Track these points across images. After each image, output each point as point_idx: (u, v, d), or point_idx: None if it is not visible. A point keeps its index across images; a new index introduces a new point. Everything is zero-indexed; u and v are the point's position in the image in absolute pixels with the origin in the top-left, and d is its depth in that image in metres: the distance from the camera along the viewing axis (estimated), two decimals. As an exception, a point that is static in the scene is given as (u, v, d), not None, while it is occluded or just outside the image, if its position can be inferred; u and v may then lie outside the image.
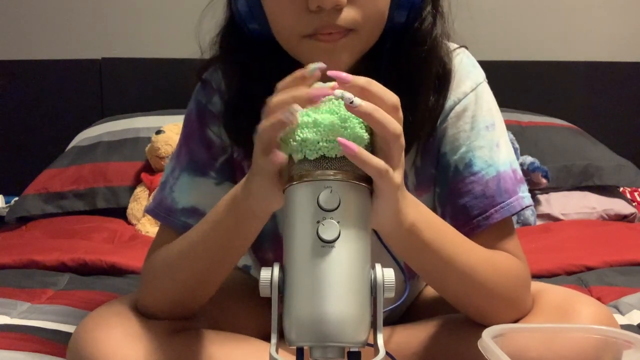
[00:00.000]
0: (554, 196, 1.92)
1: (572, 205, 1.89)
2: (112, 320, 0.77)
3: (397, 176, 0.62)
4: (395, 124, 0.60)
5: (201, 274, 0.78)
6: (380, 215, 0.64)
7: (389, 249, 0.78)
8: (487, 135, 0.83)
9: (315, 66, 0.62)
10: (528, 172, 1.83)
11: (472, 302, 0.79)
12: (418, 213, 0.70)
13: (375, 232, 0.77)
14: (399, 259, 0.75)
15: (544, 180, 1.86)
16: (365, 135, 0.61)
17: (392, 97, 0.62)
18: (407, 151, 0.66)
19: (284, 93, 0.62)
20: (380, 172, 0.60)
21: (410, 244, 0.71)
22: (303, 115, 0.61)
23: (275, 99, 0.62)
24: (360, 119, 0.60)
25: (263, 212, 0.70)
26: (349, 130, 0.60)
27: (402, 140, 0.62)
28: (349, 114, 0.60)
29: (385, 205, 0.63)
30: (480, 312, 0.79)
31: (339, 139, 0.59)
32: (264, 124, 0.62)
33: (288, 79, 0.63)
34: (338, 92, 0.61)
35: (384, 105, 0.60)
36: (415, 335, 0.85)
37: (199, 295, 0.81)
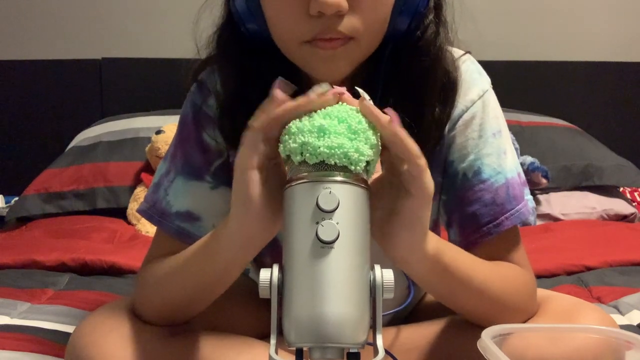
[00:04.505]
0: (554, 196, 1.92)
1: (572, 205, 1.89)
2: (109, 324, 0.77)
3: (429, 178, 0.62)
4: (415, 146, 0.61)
5: (188, 295, 0.77)
6: (411, 221, 0.64)
7: None
8: (494, 143, 0.83)
9: (325, 89, 0.62)
10: (528, 172, 1.83)
11: (483, 315, 0.79)
12: (437, 238, 0.70)
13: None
14: (419, 284, 0.74)
15: (544, 180, 1.86)
16: (368, 152, 0.60)
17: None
18: None
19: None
20: (417, 154, 0.61)
21: (433, 269, 0.70)
22: (308, 118, 0.61)
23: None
24: (368, 137, 0.61)
25: (241, 239, 0.67)
26: (353, 142, 0.60)
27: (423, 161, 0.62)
28: (359, 126, 0.60)
29: (417, 204, 0.63)
30: (489, 320, 0.78)
31: (388, 109, 0.60)
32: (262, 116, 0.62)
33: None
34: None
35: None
36: (419, 332, 0.85)
37: (187, 311, 0.80)
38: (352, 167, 0.59)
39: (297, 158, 0.60)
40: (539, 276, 1.36)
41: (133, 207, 1.85)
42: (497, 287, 0.77)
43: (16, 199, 1.96)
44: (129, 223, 1.84)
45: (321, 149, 0.59)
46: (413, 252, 0.66)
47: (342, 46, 0.73)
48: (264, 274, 0.59)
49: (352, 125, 0.60)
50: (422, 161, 0.61)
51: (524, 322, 0.80)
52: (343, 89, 0.62)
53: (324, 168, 0.59)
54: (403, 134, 0.60)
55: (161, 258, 0.82)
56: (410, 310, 0.99)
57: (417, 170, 0.61)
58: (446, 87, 0.81)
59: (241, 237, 0.67)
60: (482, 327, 0.70)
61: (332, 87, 0.62)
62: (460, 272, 0.73)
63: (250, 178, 0.63)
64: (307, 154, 0.59)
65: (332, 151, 0.59)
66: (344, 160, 0.59)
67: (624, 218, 1.87)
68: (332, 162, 0.59)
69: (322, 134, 0.59)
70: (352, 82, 0.78)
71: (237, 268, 0.73)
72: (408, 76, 0.78)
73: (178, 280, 0.77)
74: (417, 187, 0.62)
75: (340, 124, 0.60)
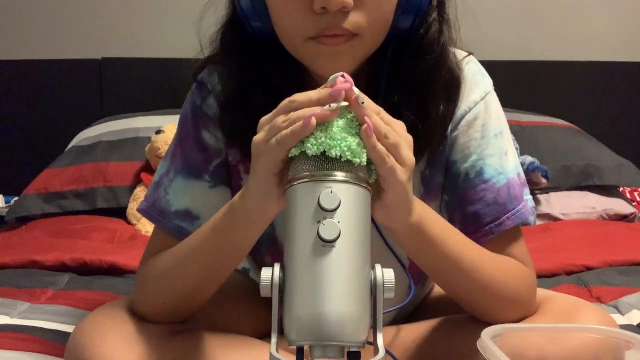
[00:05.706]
0: (554, 196, 1.92)
1: (572, 205, 1.89)
2: (108, 324, 0.77)
3: (403, 172, 0.64)
4: (383, 151, 0.62)
5: (196, 281, 0.78)
6: (390, 210, 0.66)
7: (396, 253, 0.78)
8: (496, 144, 0.84)
9: (336, 75, 0.63)
10: (528, 172, 1.83)
11: (477, 301, 0.80)
12: (424, 210, 0.72)
13: (381, 236, 0.78)
14: (409, 255, 0.76)
15: (544, 180, 1.86)
16: (366, 152, 0.61)
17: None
18: (417, 160, 0.67)
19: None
20: (383, 159, 0.61)
21: (417, 240, 0.72)
22: None
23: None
24: None
25: (259, 217, 0.69)
26: (355, 137, 0.60)
27: (392, 162, 0.63)
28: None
29: (393, 198, 0.65)
30: (485, 311, 0.80)
31: (366, 117, 0.60)
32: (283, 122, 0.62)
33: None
34: (355, 90, 0.62)
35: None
36: (419, 332, 0.86)
37: (193, 302, 0.81)
38: (356, 160, 0.60)
39: (297, 151, 0.61)
40: (539, 276, 1.35)
41: (133, 207, 1.85)
42: (489, 273, 0.77)
43: (16, 199, 1.96)
44: (129, 223, 1.84)
45: (323, 139, 0.59)
46: (393, 221, 0.69)
47: (346, 43, 0.73)
48: (266, 273, 0.59)
49: (354, 120, 0.61)
50: (388, 165, 0.62)
51: (523, 320, 0.80)
52: (349, 82, 0.63)
53: (325, 163, 0.59)
54: (371, 144, 0.61)
55: (161, 254, 0.82)
56: (412, 309, 0.99)
57: (386, 172, 0.63)
58: (450, 85, 0.82)
59: (259, 213, 0.69)
60: (482, 326, 0.70)
61: (344, 77, 0.63)
62: (447, 248, 0.74)
63: (270, 182, 0.65)
64: (309, 144, 0.60)
65: (334, 142, 0.59)
66: (346, 152, 0.59)
67: (624, 218, 1.87)
68: (334, 155, 0.59)
69: (324, 126, 0.60)
70: (356, 81, 0.79)
71: (250, 241, 0.74)
72: (412, 74, 0.79)
73: (189, 266, 0.77)
74: (388, 185, 0.64)
75: (341, 119, 0.61)
